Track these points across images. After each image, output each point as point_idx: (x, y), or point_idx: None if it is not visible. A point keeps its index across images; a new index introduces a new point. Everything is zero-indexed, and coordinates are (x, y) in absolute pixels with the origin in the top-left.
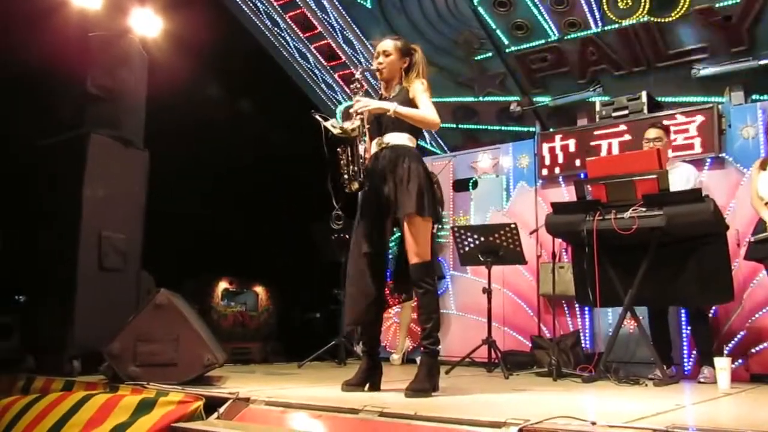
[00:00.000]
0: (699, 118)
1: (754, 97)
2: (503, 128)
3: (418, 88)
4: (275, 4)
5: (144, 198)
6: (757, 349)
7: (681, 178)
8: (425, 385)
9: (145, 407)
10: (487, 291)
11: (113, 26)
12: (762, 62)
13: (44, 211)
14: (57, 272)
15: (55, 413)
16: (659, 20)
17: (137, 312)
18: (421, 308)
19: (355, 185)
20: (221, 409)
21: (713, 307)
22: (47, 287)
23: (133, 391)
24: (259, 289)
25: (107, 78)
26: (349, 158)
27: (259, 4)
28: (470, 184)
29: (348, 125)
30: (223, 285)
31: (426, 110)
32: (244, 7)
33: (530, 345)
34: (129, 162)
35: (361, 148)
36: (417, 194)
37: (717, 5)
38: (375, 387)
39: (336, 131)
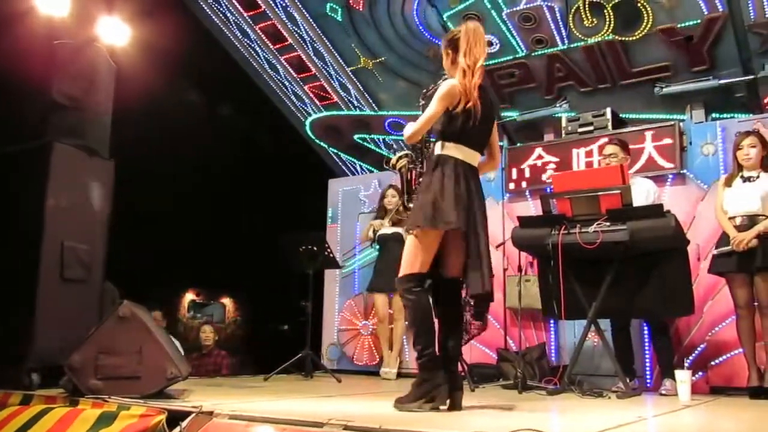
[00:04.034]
0: (661, 135)
1: (714, 115)
2: None
3: (439, 90)
4: (245, 15)
5: (109, 208)
6: (717, 361)
7: (640, 193)
8: (406, 397)
9: (105, 420)
10: None
11: (80, 34)
12: (722, 81)
13: (5, 220)
14: (17, 283)
15: (11, 426)
16: (623, 39)
17: (99, 324)
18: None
19: None
20: (184, 423)
21: (674, 320)
22: (7, 298)
23: (93, 404)
24: (227, 301)
25: (73, 86)
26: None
27: (228, 14)
28: None
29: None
30: (189, 296)
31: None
32: (213, 17)
33: (496, 357)
34: (93, 172)
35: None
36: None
37: (679, 25)
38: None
39: None
